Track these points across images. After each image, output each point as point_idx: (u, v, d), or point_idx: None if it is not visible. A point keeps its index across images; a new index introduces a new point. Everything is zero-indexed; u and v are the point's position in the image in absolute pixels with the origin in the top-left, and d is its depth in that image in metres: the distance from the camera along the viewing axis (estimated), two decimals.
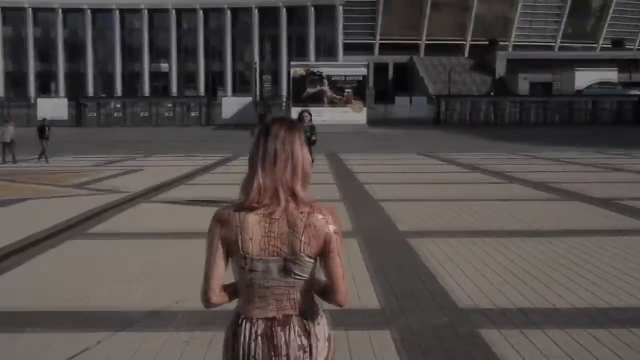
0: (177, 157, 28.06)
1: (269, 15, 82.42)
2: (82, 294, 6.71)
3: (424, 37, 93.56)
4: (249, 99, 61.47)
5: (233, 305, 2.57)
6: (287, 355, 2.46)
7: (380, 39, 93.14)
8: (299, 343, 2.48)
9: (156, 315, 5.98)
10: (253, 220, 2.44)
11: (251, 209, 2.45)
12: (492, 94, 71.76)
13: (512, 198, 13.65)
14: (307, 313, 2.52)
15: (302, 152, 2.50)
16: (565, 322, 5.64)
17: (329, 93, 49.92)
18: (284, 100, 63.14)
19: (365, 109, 50.29)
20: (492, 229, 9.92)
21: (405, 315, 5.86)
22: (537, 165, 23.08)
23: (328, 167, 22.36)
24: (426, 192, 14.76)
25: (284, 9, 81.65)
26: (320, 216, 2.46)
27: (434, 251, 8.42)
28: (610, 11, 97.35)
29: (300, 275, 2.46)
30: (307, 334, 2.50)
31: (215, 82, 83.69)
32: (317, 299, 2.54)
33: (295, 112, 49.56)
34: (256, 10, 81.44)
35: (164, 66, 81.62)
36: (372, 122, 50.72)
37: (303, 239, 2.43)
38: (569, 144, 34.64)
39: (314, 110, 49.03)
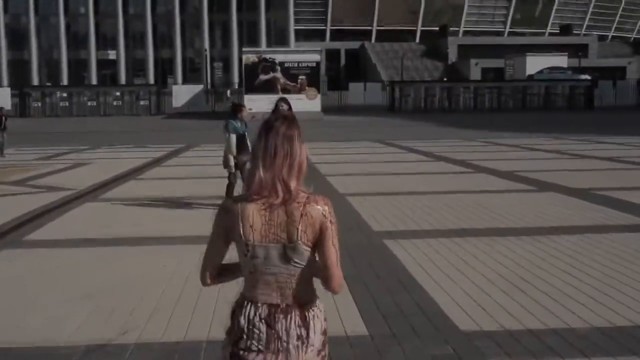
0: (126, 149, 26.75)
1: (218, 1, 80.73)
2: (12, 322, 5.65)
3: (375, 24, 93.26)
4: (200, 87, 59.97)
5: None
6: (287, 342, 2.64)
7: (332, 26, 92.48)
8: (298, 333, 2.65)
9: (100, 350, 4.97)
10: (253, 210, 2.63)
11: (252, 200, 2.64)
12: (445, 79, 71.49)
13: (484, 189, 12.89)
14: (308, 305, 2.69)
15: (300, 148, 2.67)
16: (589, 347, 4.81)
17: (282, 80, 48.71)
18: (228, 89, 61.83)
19: (319, 96, 49.26)
20: (473, 227, 9.11)
21: (400, 342, 4.96)
22: (500, 153, 22.50)
23: None
24: (393, 185, 13.88)
25: None
26: (317, 206, 2.64)
27: (416, 255, 7.56)
28: None
29: (299, 263, 2.63)
30: (306, 325, 2.67)
31: (165, 70, 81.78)
32: (318, 292, 2.69)
33: (248, 101, 48.45)
34: None
35: (111, 53, 79.30)
36: (326, 109, 49.81)
37: (300, 227, 2.60)
38: (526, 130, 34.32)
39: (265, 98, 48.79)
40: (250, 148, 10.56)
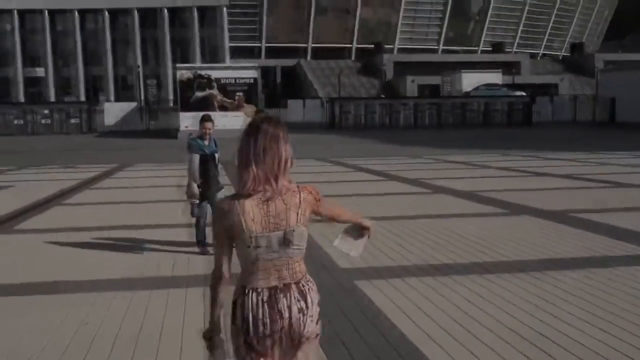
0: (54, 170, 24.78)
1: (150, 17, 78.78)
2: None
3: (310, 41, 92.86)
4: (133, 105, 57.84)
5: None
6: (290, 318, 2.93)
7: (267, 43, 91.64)
8: (298, 307, 2.94)
9: None
10: (251, 205, 2.92)
11: (248, 196, 2.93)
12: (382, 96, 71.08)
13: (452, 213, 11.70)
14: (303, 281, 3.01)
15: (285, 147, 2.97)
16: None
17: (219, 97, 47.11)
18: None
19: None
20: (456, 262, 7.87)
21: None
22: (451, 171, 21.50)
23: (227, 179, 19.91)
24: (351, 209, 12.51)
25: (166, 11, 78.18)
26: (309, 193, 3.04)
27: (399, 301, 6.26)
28: (489, 15, 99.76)
29: (299, 245, 2.96)
30: (304, 298, 2.98)
31: (96, 87, 79.24)
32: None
33: (183, 119, 46.66)
34: (136, 12, 77.55)
35: (39, 71, 76.34)
36: None
37: (300, 211, 2.96)
38: (469, 146, 33.62)
39: (201, 115, 47.14)
40: (218, 173, 9.00)
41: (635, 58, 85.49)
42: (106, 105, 58.88)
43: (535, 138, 39.92)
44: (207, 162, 8.82)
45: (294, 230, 2.92)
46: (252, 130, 2.99)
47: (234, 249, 2.99)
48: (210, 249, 7.60)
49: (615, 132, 44.83)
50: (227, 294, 3.03)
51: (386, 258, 8.16)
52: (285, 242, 2.91)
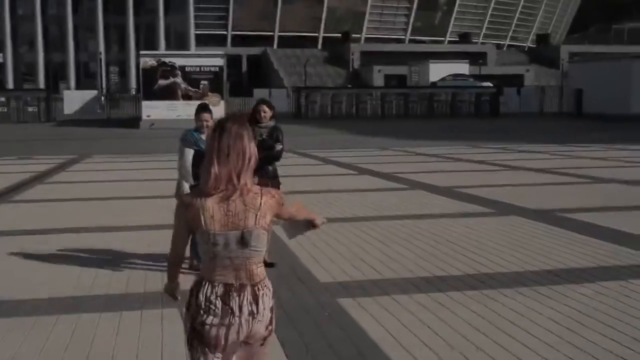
0: (7, 162, 23.48)
1: (114, 2, 76.95)
2: None
3: (277, 30, 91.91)
4: (94, 93, 56.22)
5: None
6: (239, 317, 2.98)
7: (233, 31, 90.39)
8: (249, 309, 3.00)
9: None
10: (212, 203, 2.99)
11: (209, 195, 3.00)
12: (349, 86, 70.33)
13: (434, 213, 10.87)
14: (260, 284, 3.05)
15: (249, 147, 3.05)
16: None
17: (183, 86, 45.81)
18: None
19: (223, 102, 46.65)
20: (449, 274, 7.04)
21: None
22: (424, 164, 20.79)
23: None
24: (325, 207, 11.40)
25: None
26: (271, 197, 3.09)
27: (389, 325, 5.42)
28: (456, 6, 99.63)
29: (256, 247, 3.01)
30: (256, 301, 3.01)
31: (57, 74, 77.20)
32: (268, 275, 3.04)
33: (146, 108, 45.29)
34: None
35: None
36: None
37: (259, 213, 3.00)
38: (438, 138, 32.96)
39: (165, 104, 45.83)
40: None
41: (600, 50, 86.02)
42: (66, 93, 57.14)
43: (504, 130, 39.45)
44: (202, 159, 7.74)
45: (251, 232, 2.98)
46: (217, 129, 3.05)
47: (187, 242, 3.19)
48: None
49: (582, 123, 44.60)
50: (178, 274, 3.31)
51: (370, 270, 7.28)
52: (243, 242, 2.98)
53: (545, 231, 9.26)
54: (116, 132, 41.68)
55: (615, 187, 14.28)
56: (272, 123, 7.60)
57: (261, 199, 3.02)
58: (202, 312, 2.98)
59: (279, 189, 7.08)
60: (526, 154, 23.98)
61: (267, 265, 6.66)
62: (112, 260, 7.98)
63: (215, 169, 2.97)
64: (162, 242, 8.70)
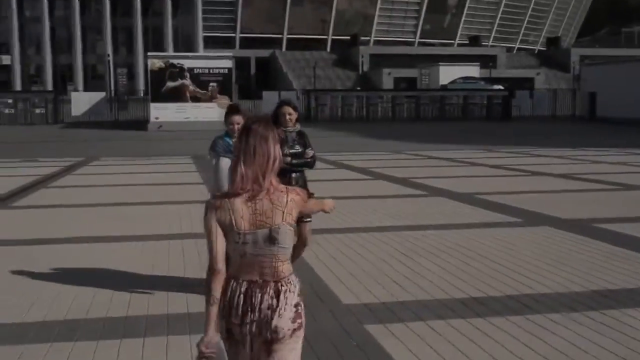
0: (13, 164, 22.90)
1: (122, 4, 76.60)
2: None
3: (285, 32, 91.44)
4: (102, 95, 55.65)
5: None
6: (259, 311, 3.03)
7: (241, 33, 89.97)
8: (269, 303, 3.03)
9: None
10: (241, 203, 3.06)
11: (237, 195, 3.08)
12: (358, 88, 69.71)
13: (458, 222, 10.17)
14: (283, 281, 3.08)
15: (274, 148, 3.13)
16: None
17: (192, 87, 45.23)
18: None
19: None
20: (487, 294, 6.31)
21: None
22: (440, 169, 20.14)
23: (198, 176, 18.30)
24: (342, 215, 10.61)
25: None
26: (297, 195, 3.16)
27: (427, 359, 4.74)
28: (466, 8, 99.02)
29: (283, 243, 3.07)
30: (277, 296, 3.05)
31: (64, 76, 76.84)
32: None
33: (154, 110, 44.70)
34: None
35: (5, 58, 73.71)
36: None
37: (286, 210, 3.08)
38: (452, 141, 32.26)
39: (173, 106, 45.18)
40: None
41: (610, 53, 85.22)
42: (73, 94, 56.60)
43: (517, 133, 38.72)
44: None
45: (279, 228, 3.05)
46: (243, 131, 3.15)
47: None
48: None
49: (596, 127, 43.81)
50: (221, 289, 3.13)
51: (398, 289, 6.57)
52: (271, 239, 3.04)
53: (581, 244, 8.57)
54: (124, 134, 41.14)
55: None
56: (298, 127, 6.73)
57: (287, 196, 3.10)
58: (228, 311, 3.06)
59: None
60: (543, 158, 23.27)
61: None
62: (113, 276, 7.27)
63: (242, 169, 3.06)
64: (171, 255, 8.10)
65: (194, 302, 5.86)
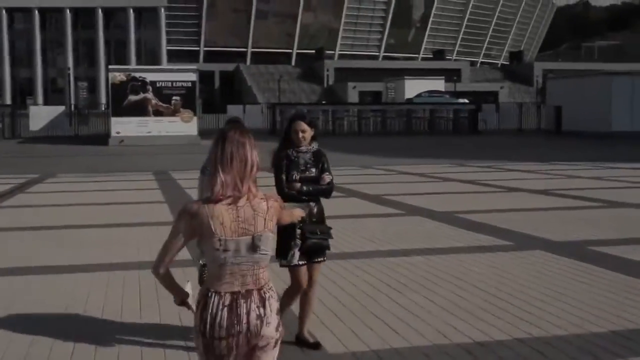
0: None
1: (83, 17, 75.23)
2: None
3: (250, 45, 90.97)
4: (61, 108, 54.16)
5: None
6: (247, 323, 2.99)
7: (205, 47, 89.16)
8: (257, 313, 3.01)
9: None
10: (221, 210, 3.03)
11: (218, 201, 3.04)
12: (324, 102, 69.16)
13: (445, 247, 9.29)
14: (264, 288, 3.08)
15: (251, 154, 3.10)
16: None
17: (154, 101, 44.06)
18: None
19: (195, 118, 44.98)
20: (492, 337, 5.46)
21: None
22: (413, 185, 19.40)
23: (160, 194, 17.29)
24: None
25: (100, 11, 74.61)
26: (275, 201, 3.18)
27: None
28: (430, 23, 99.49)
29: (265, 250, 3.07)
30: (263, 304, 3.04)
31: (23, 90, 75.12)
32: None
33: (115, 124, 43.38)
34: (68, 12, 73.75)
35: None
36: (203, 133, 45.53)
37: (267, 217, 3.08)
38: (421, 156, 31.64)
39: (135, 120, 43.95)
40: None
41: (572, 67, 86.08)
42: (32, 108, 55.00)
43: (486, 147, 38.27)
44: None
45: (262, 235, 3.04)
46: (219, 138, 3.13)
47: (183, 248, 3.15)
48: None
49: (563, 141, 43.64)
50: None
51: (390, 333, 5.64)
52: (253, 247, 3.03)
53: (581, 271, 7.79)
54: (84, 149, 39.83)
55: (633, 212, 12.93)
56: (314, 146, 5.55)
57: (267, 203, 3.11)
58: (208, 326, 2.97)
59: (331, 237, 5.47)
60: (516, 173, 22.69)
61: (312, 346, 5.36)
62: (55, 319, 6.25)
63: (221, 176, 3.03)
64: (127, 292, 7.05)
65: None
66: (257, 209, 3.05)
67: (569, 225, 11.15)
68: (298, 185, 5.33)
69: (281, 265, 5.44)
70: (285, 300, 5.39)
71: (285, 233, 5.26)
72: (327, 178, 5.46)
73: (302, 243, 5.31)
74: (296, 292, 5.43)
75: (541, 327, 5.68)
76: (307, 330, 5.48)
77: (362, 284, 7.28)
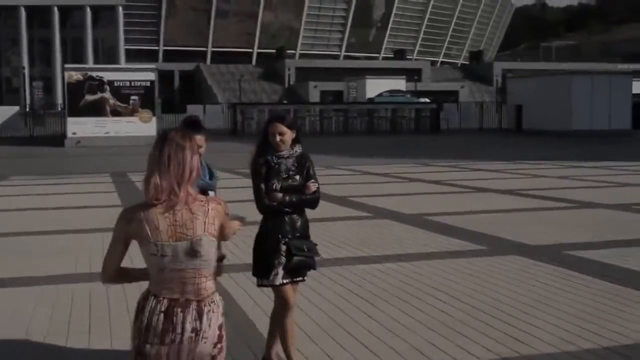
0: None
1: (38, 15, 73.52)
2: None
3: (210, 45, 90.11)
4: (15, 109, 52.77)
5: None
6: (181, 334, 2.84)
7: (165, 46, 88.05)
8: (193, 326, 2.86)
9: None
10: (157, 214, 2.89)
11: (151, 205, 2.91)
12: (285, 102, 68.65)
13: (415, 253, 8.85)
14: (207, 300, 2.91)
15: (191, 158, 2.95)
16: None
17: (112, 101, 43.10)
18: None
19: (154, 118, 44.10)
20: (483, 358, 5.07)
21: None
22: (377, 185, 18.99)
23: (117, 196, 16.59)
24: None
25: (56, 9, 72.99)
26: (218, 204, 3.01)
27: None
28: (390, 22, 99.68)
29: (206, 257, 2.90)
30: (200, 318, 2.87)
31: None
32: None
33: (72, 124, 42.30)
34: (23, 10, 72.02)
35: None
36: None
37: (207, 220, 2.93)
38: (384, 155, 31.39)
39: (92, 120, 42.87)
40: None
41: (530, 67, 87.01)
42: None
43: (448, 146, 38.13)
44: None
45: (201, 239, 2.89)
46: (158, 140, 2.99)
47: (124, 257, 3.03)
48: None
49: (525, 140, 43.71)
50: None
51: (369, 355, 5.08)
52: (192, 252, 2.88)
53: (562, 278, 7.37)
54: (39, 150, 38.72)
55: (605, 213, 12.64)
56: (297, 150, 4.84)
57: (208, 205, 2.97)
58: (144, 329, 2.86)
59: (318, 254, 4.86)
60: (481, 172, 22.45)
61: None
62: (6, 345, 5.69)
63: (156, 179, 2.89)
64: (76, 308, 6.34)
65: None
66: (196, 212, 2.91)
67: (540, 227, 10.80)
68: (279, 195, 4.65)
69: (260, 286, 4.80)
70: (275, 326, 4.81)
71: (266, 249, 4.66)
72: (312, 187, 4.78)
73: (287, 261, 4.65)
74: (285, 313, 4.74)
75: (529, 344, 5.22)
76: (276, 351, 4.95)
77: (332, 296, 6.75)
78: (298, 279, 4.81)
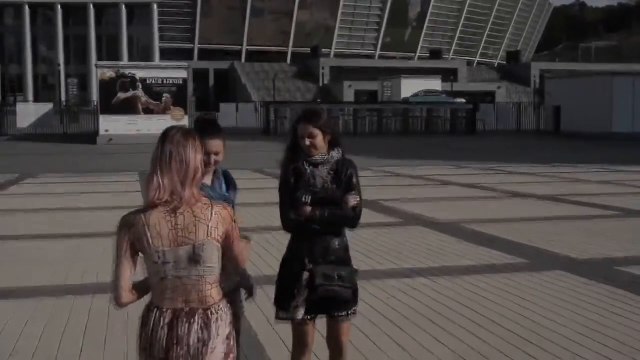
0: None
1: (75, 13, 74.00)
2: None
3: (245, 44, 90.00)
4: (50, 106, 52.93)
5: None
6: (188, 345, 2.70)
7: (200, 45, 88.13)
8: (199, 336, 2.72)
9: None
10: (158, 217, 2.75)
11: (154, 207, 2.76)
12: (319, 101, 68.08)
13: (453, 266, 8.17)
14: (213, 308, 2.77)
15: (194, 156, 2.81)
16: None
17: (144, 99, 42.91)
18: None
19: (187, 116, 43.79)
20: None
21: None
22: (410, 189, 18.32)
23: (142, 197, 16.08)
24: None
25: (92, 7, 73.34)
26: (223, 209, 2.84)
27: None
28: (426, 22, 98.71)
29: (209, 263, 2.75)
30: (208, 328, 2.74)
31: (13, 86, 73.92)
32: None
33: (104, 122, 42.22)
34: (60, 8, 72.45)
35: None
36: None
37: (211, 224, 2.77)
38: (419, 157, 30.66)
39: (125, 119, 42.72)
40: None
41: (569, 67, 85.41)
42: (20, 105, 53.80)
43: (485, 148, 37.20)
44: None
45: (204, 245, 2.75)
46: (161, 138, 2.89)
47: (135, 268, 2.85)
48: None
49: (563, 142, 42.59)
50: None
51: None
52: (195, 257, 2.75)
53: (621, 302, 6.49)
54: (71, 148, 38.63)
55: None
56: (335, 155, 3.97)
57: (212, 209, 2.81)
58: (149, 345, 2.74)
59: (354, 284, 3.92)
60: (519, 176, 21.62)
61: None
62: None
63: (158, 177, 2.76)
64: (71, 331, 5.75)
65: None
66: (199, 216, 2.77)
67: (587, 239, 10.02)
68: (308, 209, 3.79)
69: (278, 319, 3.92)
70: None
71: (286, 276, 3.85)
72: (352, 200, 3.87)
73: (311, 292, 3.74)
74: (300, 356, 3.95)
75: None
76: None
77: (357, 317, 6.10)
78: (339, 313, 3.92)
